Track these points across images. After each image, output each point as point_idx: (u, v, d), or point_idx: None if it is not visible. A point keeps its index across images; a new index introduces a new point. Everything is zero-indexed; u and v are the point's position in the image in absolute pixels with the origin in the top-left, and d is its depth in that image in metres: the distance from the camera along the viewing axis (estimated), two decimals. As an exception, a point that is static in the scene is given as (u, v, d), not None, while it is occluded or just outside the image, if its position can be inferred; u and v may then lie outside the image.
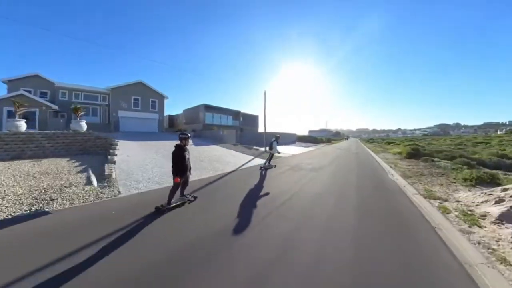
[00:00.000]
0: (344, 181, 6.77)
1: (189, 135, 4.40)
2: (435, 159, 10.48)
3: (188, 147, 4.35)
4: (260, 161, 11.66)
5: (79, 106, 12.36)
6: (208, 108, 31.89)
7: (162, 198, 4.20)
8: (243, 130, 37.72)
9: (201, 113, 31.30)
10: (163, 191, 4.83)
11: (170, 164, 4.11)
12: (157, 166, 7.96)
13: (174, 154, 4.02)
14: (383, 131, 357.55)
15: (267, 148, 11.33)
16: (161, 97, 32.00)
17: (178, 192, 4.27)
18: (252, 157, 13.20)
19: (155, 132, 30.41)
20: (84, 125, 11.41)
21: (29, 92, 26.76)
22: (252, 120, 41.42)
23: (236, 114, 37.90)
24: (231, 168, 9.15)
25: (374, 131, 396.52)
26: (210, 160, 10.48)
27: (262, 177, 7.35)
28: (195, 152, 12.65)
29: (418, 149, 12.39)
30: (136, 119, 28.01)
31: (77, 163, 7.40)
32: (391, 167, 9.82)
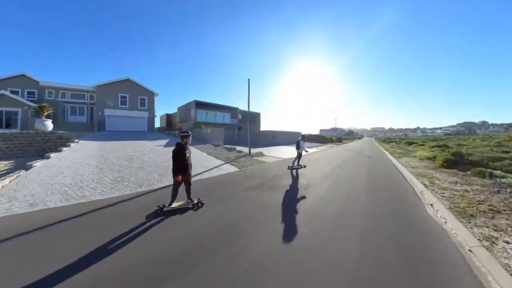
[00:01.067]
0: (337, 226, 3.38)
1: (190, 133, 4.24)
2: (496, 171, 6.57)
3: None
4: (231, 168, 8.46)
5: (45, 104, 11.75)
6: (200, 105, 29.03)
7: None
8: (242, 129, 34.52)
9: (192, 110, 28.54)
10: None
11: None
12: (78, 175, 6.16)
13: (175, 153, 3.96)
14: (401, 130, 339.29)
15: (294, 148, 10.18)
16: (151, 94, 30.11)
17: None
18: (222, 162, 9.97)
19: (143, 131, 28.39)
20: (49, 125, 10.91)
21: (17, 92, 25.90)
22: (252, 118, 38.08)
23: (233, 112, 34.72)
24: (168, 182, 6.01)
25: (391, 130, 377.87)
26: (150, 169, 7.34)
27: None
28: (140, 154, 9.60)
29: (461, 154, 8.43)
30: (124, 117, 26.64)
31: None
32: (424, 185, 6.11)
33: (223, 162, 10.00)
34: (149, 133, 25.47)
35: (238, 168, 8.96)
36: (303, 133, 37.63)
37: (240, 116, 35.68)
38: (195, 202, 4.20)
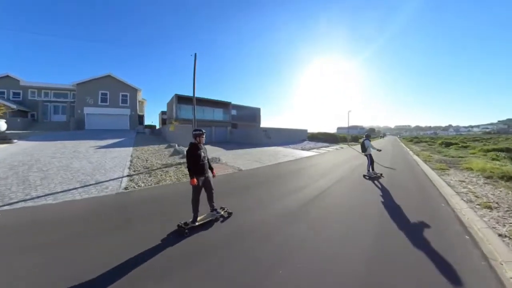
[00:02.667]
0: None
1: (204, 131, 3.82)
2: None
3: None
4: (109, 190, 4.45)
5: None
6: (182, 99, 25.55)
7: None
8: (237, 126, 30.26)
9: (173, 106, 25.17)
10: None
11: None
12: None
13: (188, 154, 3.56)
14: (429, 128, 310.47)
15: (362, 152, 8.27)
16: (133, 91, 28.08)
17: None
18: (120, 175, 6.10)
19: (124, 129, 25.97)
20: (2, 125, 10.89)
21: (2, 93, 25.51)
22: (251, 114, 33.64)
23: (225, 107, 30.50)
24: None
25: (418, 128, 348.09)
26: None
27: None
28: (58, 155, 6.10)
29: None
30: (104, 115, 25.27)
31: None
32: None
33: (120, 176, 6.02)
34: (127, 131, 23.11)
35: (129, 188, 5.34)
36: (309, 130, 32.52)
37: (234, 112, 31.45)
38: (221, 212, 3.73)
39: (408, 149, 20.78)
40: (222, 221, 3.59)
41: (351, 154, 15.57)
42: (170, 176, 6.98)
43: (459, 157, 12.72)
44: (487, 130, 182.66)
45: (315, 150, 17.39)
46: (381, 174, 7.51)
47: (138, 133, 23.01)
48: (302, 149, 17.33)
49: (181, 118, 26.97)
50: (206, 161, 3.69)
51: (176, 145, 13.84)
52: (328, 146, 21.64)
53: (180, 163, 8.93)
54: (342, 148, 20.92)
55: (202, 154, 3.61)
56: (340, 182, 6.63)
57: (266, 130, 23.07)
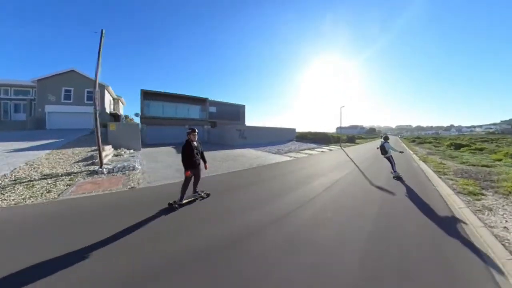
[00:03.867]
0: None
1: (196, 129, 4.45)
2: None
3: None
4: None
5: None
6: (150, 95, 22.53)
7: None
8: (216, 125, 26.78)
9: (141, 103, 21.98)
10: None
11: None
12: None
13: (183, 149, 4.23)
14: (431, 128, 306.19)
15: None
16: (100, 87, 24.87)
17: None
18: None
19: (87, 129, 23.03)
20: None
21: None
22: (233, 111, 30.15)
23: (201, 103, 27.02)
24: None
25: (419, 128, 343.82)
26: None
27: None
28: None
29: None
30: (68, 114, 23.23)
31: None
32: None
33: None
34: (84, 131, 20.06)
35: None
36: (308, 130, 29.23)
37: (213, 109, 27.98)
38: (201, 194, 4.73)
39: (411, 152, 17.27)
40: (200, 200, 4.50)
41: (339, 159, 12.10)
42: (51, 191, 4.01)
43: (483, 165, 9.24)
44: (491, 130, 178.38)
45: (294, 153, 13.92)
46: (401, 177, 7.33)
47: (92, 133, 19.74)
48: (277, 153, 13.88)
49: (149, 116, 23.73)
50: (199, 156, 4.44)
51: (109, 148, 10.49)
52: (315, 148, 18.15)
53: (84, 171, 5.69)
54: (331, 150, 17.40)
55: (195, 150, 4.32)
56: (282, 225, 3.19)
57: (242, 129, 19.62)
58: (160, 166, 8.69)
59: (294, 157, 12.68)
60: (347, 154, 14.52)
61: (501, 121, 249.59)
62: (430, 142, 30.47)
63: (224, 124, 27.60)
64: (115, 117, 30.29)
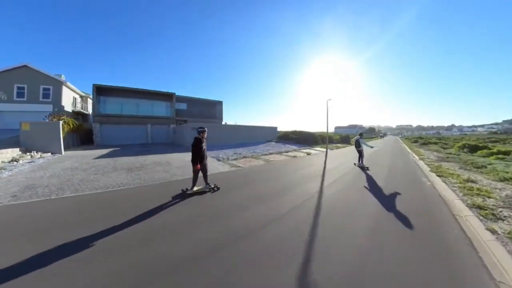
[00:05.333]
0: None
1: (205, 129, 5.16)
2: None
3: None
4: None
5: None
6: (106, 90, 19.42)
7: None
8: (187, 123, 22.92)
9: (94, 99, 18.45)
10: None
11: None
12: None
13: (194, 146, 4.80)
14: (431, 127, 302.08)
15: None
16: (57, 83, 22.09)
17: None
18: None
19: None
20: None
21: None
22: (207, 108, 26.33)
23: (168, 99, 23.39)
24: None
25: (419, 127, 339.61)
26: None
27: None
28: None
29: None
30: (20, 113, 20.85)
31: None
32: None
33: None
34: None
35: None
36: (309, 130, 25.22)
37: (184, 106, 24.21)
38: (212, 186, 5.26)
39: (416, 156, 13.33)
40: (212, 193, 4.99)
41: (306, 170, 8.19)
42: None
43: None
44: (493, 130, 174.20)
45: (250, 160, 10.03)
46: (367, 168, 8.51)
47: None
48: (225, 160, 10.01)
49: (104, 114, 20.09)
50: (205, 152, 5.07)
51: (11, 151, 6.56)
52: (290, 151, 14.23)
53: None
54: (309, 154, 13.36)
55: (204, 146, 4.93)
56: None
57: (201, 128, 15.70)
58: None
59: (241, 166, 8.80)
60: (325, 161, 10.61)
61: (503, 120, 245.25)
62: (435, 143, 26.53)
63: (198, 122, 23.87)
64: (83, 116, 26.61)
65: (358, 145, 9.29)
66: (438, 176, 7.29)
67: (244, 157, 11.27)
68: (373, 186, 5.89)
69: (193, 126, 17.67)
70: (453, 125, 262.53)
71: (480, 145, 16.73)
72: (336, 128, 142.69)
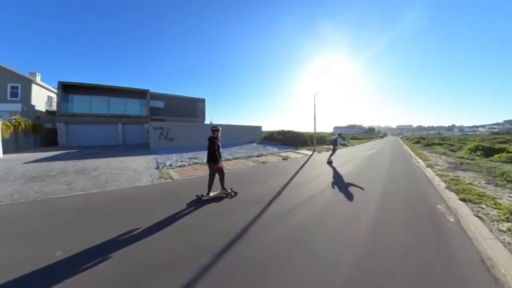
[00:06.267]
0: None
1: (219, 128, 4.96)
2: None
3: None
4: None
5: None
6: (73, 88, 17.79)
7: None
8: (148, 124, 20.35)
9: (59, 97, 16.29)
10: None
11: None
12: None
13: (210, 145, 4.68)
14: (432, 128, 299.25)
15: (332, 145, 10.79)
16: (26, 81, 20.26)
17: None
18: None
19: None
20: None
21: None
22: (188, 106, 23.81)
23: (142, 97, 21.06)
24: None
25: (420, 128, 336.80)
26: None
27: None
28: None
29: None
30: None
31: None
32: None
33: None
34: None
35: None
36: (307, 130, 22.75)
37: (161, 104, 21.81)
38: (229, 191, 4.88)
39: (421, 162, 10.63)
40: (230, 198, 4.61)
41: (270, 183, 5.62)
42: None
43: None
44: (495, 130, 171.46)
45: (203, 166, 7.43)
46: (331, 162, 9.73)
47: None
48: (162, 166, 7.40)
49: (70, 113, 18.67)
50: (220, 151, 4.79)
51: None
52: (266, 155, 11.53)
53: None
54: (285, 160, 10.69)
55: (219, 145, 4.77)
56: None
57: (163, 128, 13.56)
58: None
59: (173, 178, 6.39)
60: (297, 171, 7.95)
61: (504, 120, 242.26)
62: (440, 144, 23.82)
63: (177, 121, 21.38)
64: (53, 114, 24.39)
65: (335, 144, 10.47)
66: (461, 200, 4.62)
67: (195, 163, 8.64)
68: (348, 235, 3.21)
69: (155, 126, 15.16)
70: (453, 125, 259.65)
71: (496, 147, 14.00)
72: (335, 128, 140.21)
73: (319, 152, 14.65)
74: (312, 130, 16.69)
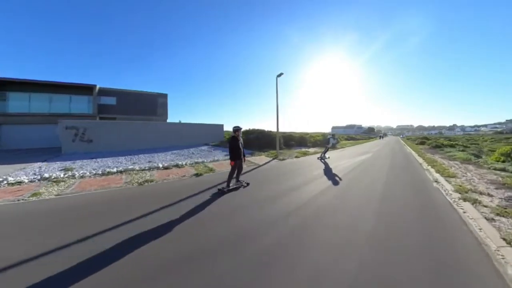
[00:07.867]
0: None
1: (241, 127, 5.36)
2: None
3: None
4: None
5: None
6: (6, 85, 15.50)
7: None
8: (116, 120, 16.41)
9: None
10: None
11: None
12: None
13: (231, 143, 5.09)
14: (433, 127, 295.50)
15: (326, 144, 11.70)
16: None
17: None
18: None
19: None
20: None
21: None
22: (146, 103, 20.10)
23: (89, 93, 17.61)
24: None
25: (420, 127, 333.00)
26: None
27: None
28: None
29: None
30: None
31: None
32: None
33: None
34: None
35: None
36: (307, 130, 18.83)
37: (113, 101, 18.27)
38: (243, 183, 5.46)
39: (442, 182, 6.52)
40: (244, 188, 5.25)
41: None
42: None
43: None
44: (498, 129, 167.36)
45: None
46: (328, 157, 11.15)
47: None
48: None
49: (4, 113, 15.94)
50: (242, 150, 5.24)
51: None
52: (188, 166, 7.40)
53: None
54: (198, 176, 6.61)
55: (239, 144, 5.16)
56: None
57: (79, 127, 9.98)
58: None
59: None
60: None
61: (507, 120, 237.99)
62: (451, 146, 19.62)
63: (133, 119, 17.65)
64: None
65: (327, 143, 11.54)
66: None
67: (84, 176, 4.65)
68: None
69: (67, 125, 11.34)
70: (455, 125, 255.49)
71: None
72: (333, 128, 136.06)
73: (282, 159, 10.39)
74: (301, 130, 12.60)
